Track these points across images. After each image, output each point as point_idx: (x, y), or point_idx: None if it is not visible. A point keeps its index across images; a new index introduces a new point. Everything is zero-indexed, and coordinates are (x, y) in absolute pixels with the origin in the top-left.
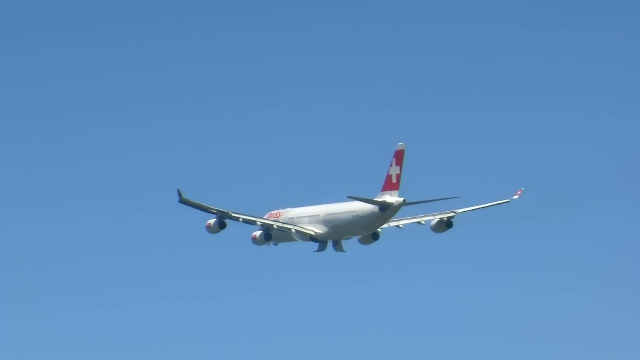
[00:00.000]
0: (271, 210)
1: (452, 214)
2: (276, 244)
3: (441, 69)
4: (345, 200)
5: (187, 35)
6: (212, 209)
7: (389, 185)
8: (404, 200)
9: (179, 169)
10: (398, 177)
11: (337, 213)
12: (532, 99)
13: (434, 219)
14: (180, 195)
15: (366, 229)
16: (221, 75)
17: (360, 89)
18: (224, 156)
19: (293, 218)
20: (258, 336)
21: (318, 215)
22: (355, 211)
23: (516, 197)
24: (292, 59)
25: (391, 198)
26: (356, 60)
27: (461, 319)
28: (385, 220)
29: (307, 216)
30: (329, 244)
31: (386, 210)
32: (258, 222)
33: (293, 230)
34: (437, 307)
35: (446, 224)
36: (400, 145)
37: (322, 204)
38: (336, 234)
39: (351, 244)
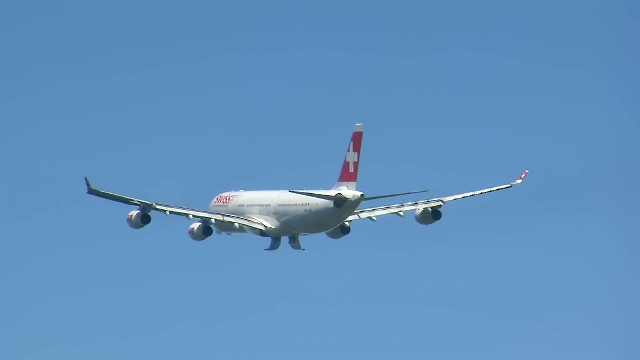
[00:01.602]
0: (221, 193)
1: (439, 203)
2: (229, 234)
3: (405, 40)
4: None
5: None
6: (130, 199)
7: (346, 175)
8: (362, 194)
9: (86, 154)
10: (356, 165)
11: (288, 205)
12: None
13: (417, 208)
14: (88, 184)
15: (322, 227)
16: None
17: (316, 62)
18: (150, 134)
19: (243, 205)
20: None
21: (269, 205)
22: (308, 204)
23: (520, 181)
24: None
25: (348, 191)
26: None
27: (439, 330)
28: (344, 217)
29: (258, 205)
30: (285, 239)
31: (342, 206)
32: (190, 215)
33: (236, 225)
34: (407, 314)
35: (432, 215)
36: (358, 126)
37: (281, 189)
38: (288, 229)
39: (317, 236)
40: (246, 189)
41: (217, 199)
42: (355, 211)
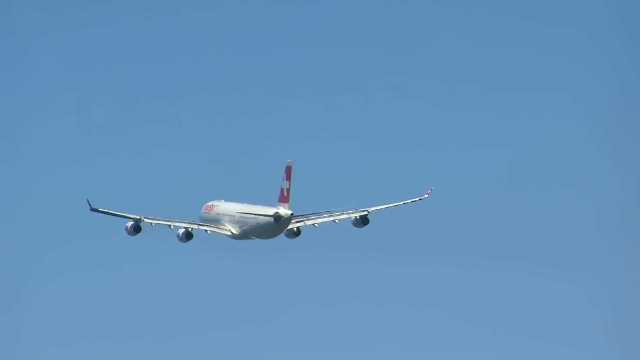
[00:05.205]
0: (208, 202)
1: (366, 212)
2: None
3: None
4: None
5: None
6: (124, 215)
7: (282, 197)
8: (292, 213)
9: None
10: (288, 191)
11: (245, 217)
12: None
13: (350, 217)
14: (89, 204)
15: (269, 234)
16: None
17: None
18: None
19: (219, 214)
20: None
21: (234, 216)
22: (257, 218)
23: (427, 195)
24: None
25: (283, 210)
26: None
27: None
28: (283, 228)
29: (228, 215)
30: None
31: (279, 221)
32: (172, 226)
33: (208, 232)
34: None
35: (361, 221)
36: (288, 162)
37: (249, 203)
38: (247, 235)
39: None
40: (227, 199)
41: (205, 206)
42: (302, 219)
